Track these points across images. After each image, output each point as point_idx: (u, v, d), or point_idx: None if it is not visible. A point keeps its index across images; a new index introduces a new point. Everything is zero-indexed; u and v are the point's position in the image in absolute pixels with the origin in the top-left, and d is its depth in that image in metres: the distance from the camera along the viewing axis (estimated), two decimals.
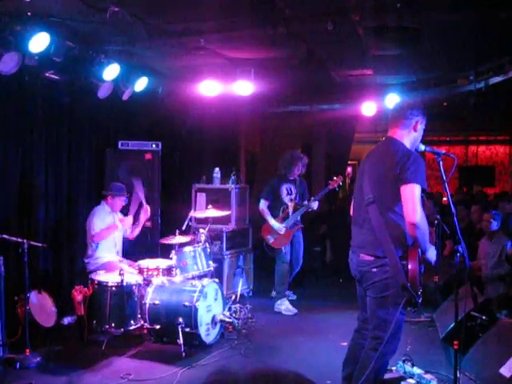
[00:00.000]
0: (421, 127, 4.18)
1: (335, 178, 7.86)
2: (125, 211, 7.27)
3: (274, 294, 8.36)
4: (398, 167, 3.89)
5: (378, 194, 4.02)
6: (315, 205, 7.85)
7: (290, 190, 8.04)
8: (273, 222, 7.89)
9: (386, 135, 4.28)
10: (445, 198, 13.36)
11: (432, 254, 4.07)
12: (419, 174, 3.88)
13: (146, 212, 7.25)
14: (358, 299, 4.39)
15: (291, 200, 7.99)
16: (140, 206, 7.20)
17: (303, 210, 7.90)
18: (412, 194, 3.82)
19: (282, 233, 7.85)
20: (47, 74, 6.80)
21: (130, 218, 7.12)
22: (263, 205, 8.03)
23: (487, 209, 8.24)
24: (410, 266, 3.85)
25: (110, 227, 6.91)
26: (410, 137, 4.15)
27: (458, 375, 4.15)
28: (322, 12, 5.82)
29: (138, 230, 7.27)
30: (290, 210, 7.96)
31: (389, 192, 3.97)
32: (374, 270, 4.00)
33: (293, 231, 7.95)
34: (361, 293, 4.32)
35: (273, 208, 8.01)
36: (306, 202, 7.92)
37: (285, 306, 7.80)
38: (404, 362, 5.28)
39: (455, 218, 4.07)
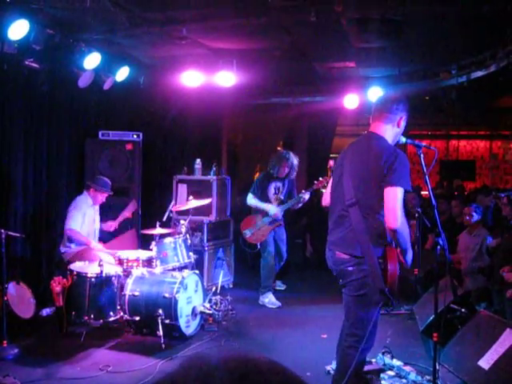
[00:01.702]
0: (403, 124, 4.09)
1: (321, 178, 7.64)
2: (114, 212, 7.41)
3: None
4: (386, 167, 3.78)
5: (361, 195, 3.91)
6: (307, 195, 7.72)
7: (278, 189, 7.98)
8: (265, 205, 7.83)
9: (368, 129, 4.18)
10: (425, 192, 13.44)
11: (410, 256, 3.99)
12: (405, 176, 3.80)
13: (109, 226, 7.38)
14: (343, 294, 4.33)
15: (277, 199, 7.93)
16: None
17: (290, 204, 7.83)
18: (394, 198, 3.74)
19: (274, 214, 7.78)
20: (27, 62, 6.70)
21: (113, 224, 7.33)
22: (251, 197, 7.97)
23: (467, 203, 8.30)
24: (389, 267, 3.79)
25: (87, 242, 6.86)
26: (392, 132, 4.05)
27: (437, 367, 4.19)
28: (305, 2, 5.79)
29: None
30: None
31: (372, 192, 3.87)
32: (351, 268, 3.92)
33: (271, 228, 7.88)
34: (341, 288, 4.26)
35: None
36: (294, 198, 7.88)
37: (268, 298, 7.80)
38: (384, 354, 5.31)
39: (436, 211, 4.07)
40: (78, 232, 6.80)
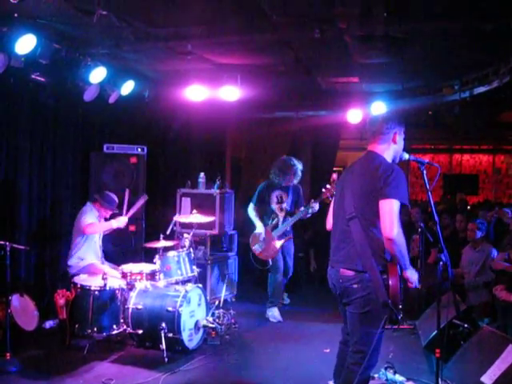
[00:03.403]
0: (400, 138, 4.14)
1: (328, 186, 7.33)
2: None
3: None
4: (382, 180, 3.85)
5: (360, 208, 3.96)
6: (316, 206, 7.50)
7: (281, 197, 7.83)
8: (258, 223, 7.80)
9: (366, 149, 4.21)
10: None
11: (412, 275, 3.98)
12: (400, 189, 3.85)
13: (122, 222, 7.24)
14: (341, 312, 4.32)
15: (281, 209, 7.81)
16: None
17: (299, 216, 7.63)
18: (390, 209, 3.78)
19: (262, 235, 7.72)
20: (33, 76, 6.76)
21: (125, 219, 7.18)
22: (251, 208, 7.94)
23: (470, 217, 8.30)
24: (390, 282, 3.80)
25: (109, 225, 6.90)
26: (390, 150, 4.12)
27: (440, 383, 4.18)
28: (310, 19, 5.83)
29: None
30: (280, 220, 7.79)
31: (371, 206, 3.91)
32: (355, 286, 3.94)
33: (281, 242, 7.72)
34: (342, 307, 4.26)
35: (262, 215, 7.89)
36: (302, 208, 7.64)
37: (272, 312, 7.77)
38: (386, 369, 5.30)
39: (438, 226, 4.09)
40: (97, 223, 6.84)
